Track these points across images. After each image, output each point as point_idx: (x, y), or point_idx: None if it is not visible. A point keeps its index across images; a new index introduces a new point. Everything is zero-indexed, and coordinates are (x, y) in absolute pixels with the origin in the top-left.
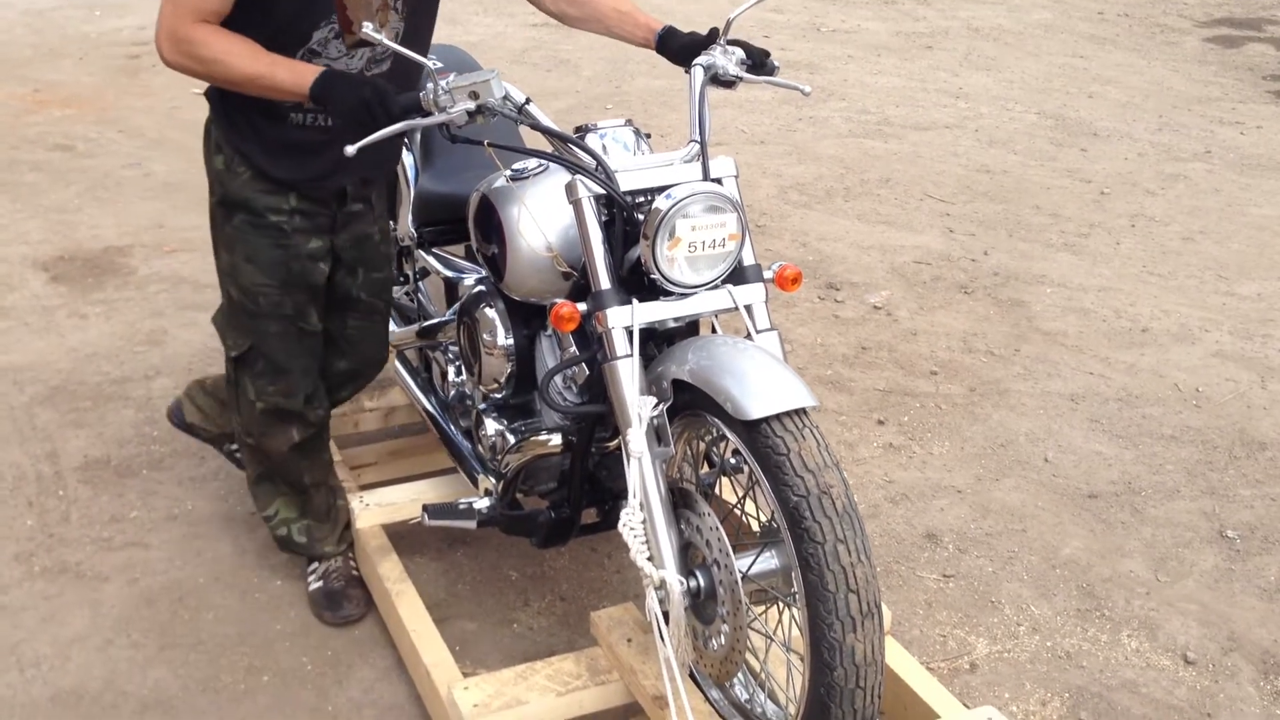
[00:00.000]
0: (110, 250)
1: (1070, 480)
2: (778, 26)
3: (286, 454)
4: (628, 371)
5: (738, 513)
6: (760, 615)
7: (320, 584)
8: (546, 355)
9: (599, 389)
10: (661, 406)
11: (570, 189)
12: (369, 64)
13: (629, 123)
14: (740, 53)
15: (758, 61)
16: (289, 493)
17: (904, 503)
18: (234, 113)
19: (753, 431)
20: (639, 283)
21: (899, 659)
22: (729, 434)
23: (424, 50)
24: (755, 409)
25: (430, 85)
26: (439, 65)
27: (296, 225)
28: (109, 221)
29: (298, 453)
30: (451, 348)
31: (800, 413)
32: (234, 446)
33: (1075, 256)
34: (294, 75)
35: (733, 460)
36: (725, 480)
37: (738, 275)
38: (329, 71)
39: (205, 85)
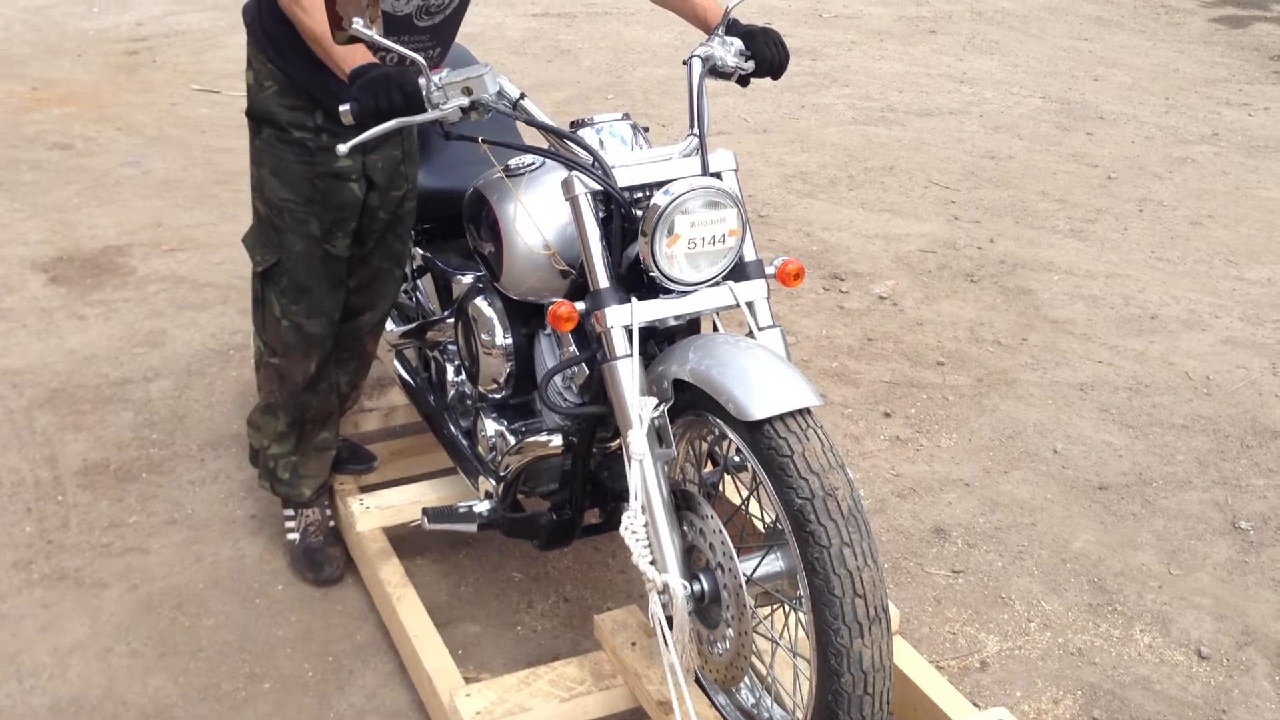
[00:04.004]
0: (109, 250)
1: (1080, 472)
2: (778, 13)
3: (300, 383)
4: (628, 372)
5: (742, 513)
6: (766, 618)
7: (298, 538)
8: (545, 355)
9: (599, 389)
10: (663, 407)
11: (567, 185)
12: (419, 13)
13: (626, 116)
14: (739, 43)
15: (759, 51)
16: (286, 430)
17: (911, 497)
18: (269, 24)
19: (755, 433)
20: (638, 280)
21: (908, 659)
22: (731, 435)
23: (454, 35)
24: (758, 410)
25: (423, 81)
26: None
27: (322, 143)
28: (108, 221)
29: (308, 388)
30: (450, 347)
31: (804, 412)
32: None
33: (1082, 243)
34: (348, 53)
35: (736, 458)
36: (729, 478)
37: (739, 271)
38: (375, 65)
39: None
